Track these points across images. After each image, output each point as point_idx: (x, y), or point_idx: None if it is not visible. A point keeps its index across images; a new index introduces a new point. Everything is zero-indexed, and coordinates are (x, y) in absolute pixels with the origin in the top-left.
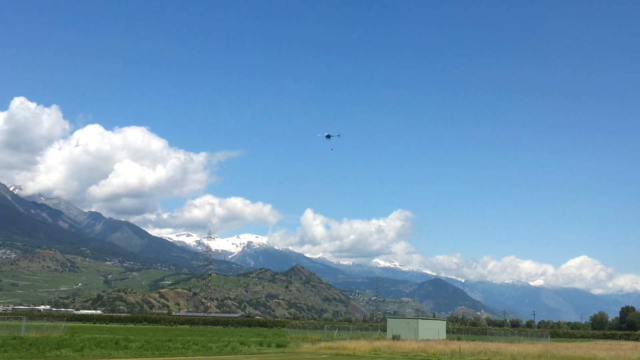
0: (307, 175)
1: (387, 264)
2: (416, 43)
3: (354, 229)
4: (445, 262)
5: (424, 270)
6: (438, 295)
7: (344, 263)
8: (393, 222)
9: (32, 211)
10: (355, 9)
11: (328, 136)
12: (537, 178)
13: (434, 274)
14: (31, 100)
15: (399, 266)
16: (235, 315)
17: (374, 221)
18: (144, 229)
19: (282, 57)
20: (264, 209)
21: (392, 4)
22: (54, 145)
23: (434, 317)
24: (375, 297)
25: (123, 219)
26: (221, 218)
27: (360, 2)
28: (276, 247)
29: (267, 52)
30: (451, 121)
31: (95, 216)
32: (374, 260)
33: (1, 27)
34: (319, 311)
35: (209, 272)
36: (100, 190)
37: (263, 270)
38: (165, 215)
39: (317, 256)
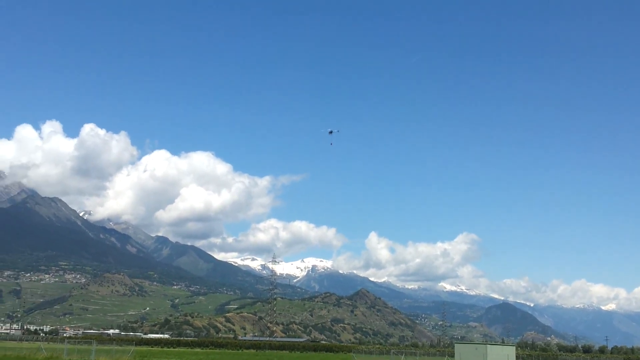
0: (371, 198)
1: (454, 288)
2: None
3: (419, 253)
4: (513, 286)
5: (491, 295)
6: (506, 320)
7: (410, 287)
8: (459, 245)
9: (102, 236)
10: None
11: (330, 132)
12: (607, 200)
13: (502, 298)
14: (101, 127)
15: (465, 290)
16: (301, 339)
17: (439, 244)
18: (209, 253)
19: (345, 84)
20: (328, 233)
21: None
22: (122, 170)
23: (503, 343)
24: (442, 322)
25: (189, 243)
26: (285, 242)
27: None
28: (341, 271)
29: (332, 78)
30: (517, 145)
31: (162, 240)
32: (440, 284)
33: (74, 57)
34: (384, 336)
35: (274, 296)
36: (166, 214)
37: (328, 294)
38: (230, 239)
39: (382, 280)
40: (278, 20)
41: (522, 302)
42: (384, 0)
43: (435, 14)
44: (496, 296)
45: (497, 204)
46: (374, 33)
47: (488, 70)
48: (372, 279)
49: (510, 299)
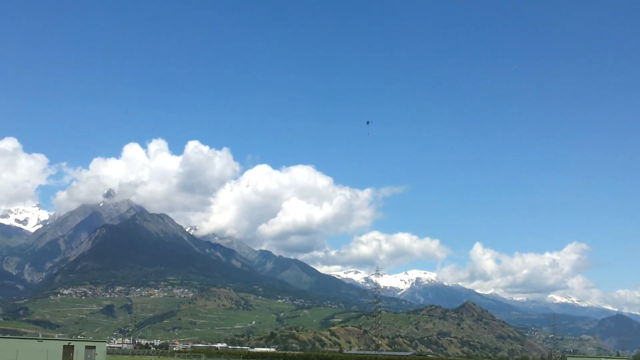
0: (475, 208)
1: (564, 300)
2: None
3: (526, 264)
4: (628, 297)
5: (604, 306)
6: (621, 332)
7: (518, 299)
8: (568, 255)
9: (207, 250)
10: None
11: (368, 122)
12: None
13: (616, 309)
14: (204, 144)
15: (576, 302)
16: (407, 353)
17: (547, 255)
18: (312, 266)
19: (446, 95)
20: (431, 244)
21: None
22: (225, 186)
23: (618, 356)
24: (552, 335)
25: (292, 257)
26: (388, 254)
27: None
28: (445, 283)
29: (434, 89)
30: (624, 150)
31: (266, 254)
32: (550, 296)
33: (177, 77)
34: (493, 349)
35: (379, 310)
36: (269, 228)
37: (433, 307)
38: (333, 253)
39: (489, 292)
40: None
41: (638, 313)
42: None
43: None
44: (609, 308)
45: (608, 211)
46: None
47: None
48: (478, 291)
49: (625, 310)
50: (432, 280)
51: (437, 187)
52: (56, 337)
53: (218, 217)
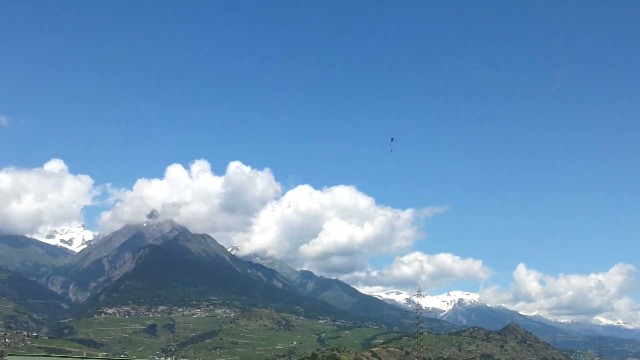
0: (518, 229)
1: (610, 322)
2: None
3: (571, 285)
4: None
5: None
6: None
7: (562, 321)
8: (614, 276)
9: (249, 271)
10: None
11: (392, 139)
12: None
13: None
14: (246, 164)
15: (622, 324)
16: None
17: (592, 276)
18: (354, 287)
19: (486, 111)
20: (474, 265)
21: None
22: (267, 206)
23: None
24: (598, 357)
25: (334, 277)
26: (430, 275)
27: None
28: (488, 305)
29: (471, 106)
30: None
31: (307, 275)
32: (595, 318)
33: (219, 99)
34: None
35: (421, 331)
36: (311, 249)
37: (476, 328)
38: (374, 273)
39: (533, 314)
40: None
41: None
42: None
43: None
44: None
45: None
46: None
47: None
48: (521, 312)
49: None
50: (474, 301)
51: (479, 207)
52: (100, 356)
53: (259, 238)
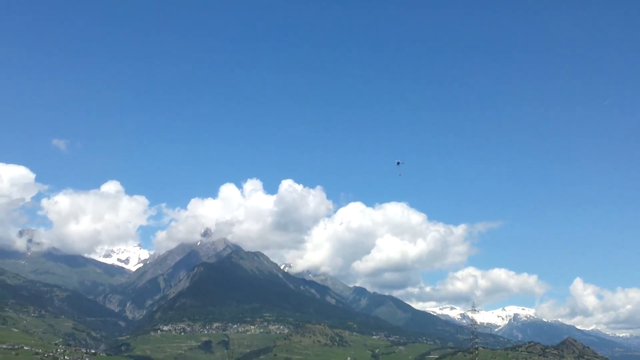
0: (574, 243)
1: None
2: None
3: (629, 299)
4: None
5: None
6: None
7: (621, 335)
8: None
9: (302, 288)
10: None
11: (398, 163)
12: None
13: None
14: (298, 182)
15: None
16: None
17: None
18: (407, 302)
19: (538, 127)
20: (529, 280)
21: None
22: (319, 224)
23: None
24: None
25: (387, 293)
26: (485, 290)
27: None
28: (545, 319)
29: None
30: None
31: (360, 291)
32: None
33: (272, 117)
34: None
35: (476, 346)
36: (363, 265)
37: (532, 343)
38: (427, 289)
39: (590, 328)
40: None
41: None
42: None
43: None
44: None
45: None
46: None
47: None
48: (579, 327)
49: None
50: (530, 316)
51: (534, 221)
52: None
53: (312, 255)
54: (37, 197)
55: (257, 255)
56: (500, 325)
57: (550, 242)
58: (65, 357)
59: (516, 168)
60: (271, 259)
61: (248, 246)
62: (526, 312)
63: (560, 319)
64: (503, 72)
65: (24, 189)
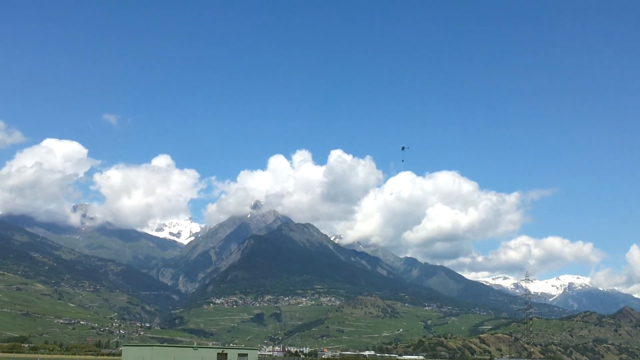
0: (630, 209)
1: None
2: None
3: None
4: None
5: None
6: None
7: None
8: None
9: (352, 259)
10: None
11: (403, 148)
12: None
13: None
14: (347, 153)
15: None
16: None
17: None
18: (459, 272)
19: (592, 92)
20: (584, 248)
21: None
22: (369, 194)
23: None
24: None
25: (438, 264)
26: (538, 259)
27: None
28: (600, 288)
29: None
30: None
31: (411, 262)
32: None
33: (321, 88)
34: None
35: (530, 316)
36: (414, 235)
37: (588, 313)
38: (480, 258)
39: None
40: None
41: None
42: None
43: None
44: None
45: None
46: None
47: None
48: (636, 295)
49: None
50: (585, 285)
51: (588, 189)
52: (210, 345)
53: (362, 226)
54: (90, 172)
55: (307, 226)
56: (554, 295)
57: (605, 209)
58: (121, 331)
59: (569, 134)
60: (321, 231)
61: (298, 218)
62: (581, 281)
63: (616, 288)
64: (561, 37)
65: (77, 164)
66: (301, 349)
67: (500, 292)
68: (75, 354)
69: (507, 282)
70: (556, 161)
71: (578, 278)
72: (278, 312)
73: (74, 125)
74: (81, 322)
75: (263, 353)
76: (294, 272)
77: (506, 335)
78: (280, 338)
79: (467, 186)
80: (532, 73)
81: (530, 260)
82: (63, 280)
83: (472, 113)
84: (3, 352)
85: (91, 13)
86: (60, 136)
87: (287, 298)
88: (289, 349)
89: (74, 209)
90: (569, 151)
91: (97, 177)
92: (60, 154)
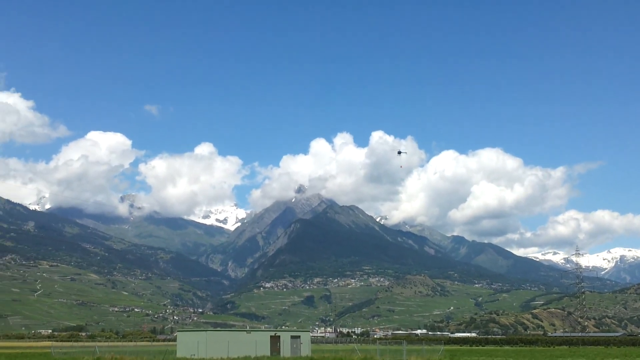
0: None
1: None
2: None
3: None
4: None
5: None
6: None
7: None
8: None
9: (399, 239)
10: None
11: (399, 152)
12: None
13: None
14: (389, 133)
15: None
16: (617, 334)
17: None
18: (507, 249)
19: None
20: (634, 220)
21: None
22: (412, 174)
23: None
24: None
25: (486, 241)
26: (588, 233)
27: None
28: None
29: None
30: None
31: (459, 240)
32: None
33: (360, 70)
34: None
35: (582, 290)
36: (460, 213)
37: None
38: (528, 234)
39: None
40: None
41: None
42: None
43: None
44: None
45: None
46: None
47: None
48: None
49: None
50: (637, 257)
51: (636, 160)
52: (262, 329)
53: (407, 206)
54: (135, 163)
55: (352, 208)
56: (606, 268)
57: None
58: (175, 317)
59: (613, 105)
60: (366, 212)
61: (342, 200)
62: (633, 254)
63: None
64: (608, 10)
65: (122, 155)
66: (353, 330)
67: (551, 267)
68: (131, 341)
69: (557, 257)
70: (602, 134)
71: (630, 250)
72: (328, 294)
73: (116, 117)
74: (135, 310)
75: (315, 335)
76: (342, 254)
77: (559, 310)
78: (331, 319)
79: (511, 162)
80: (576, 47)
81: (579, 234)
82: (115, 270)
83: (514, 89)
84: (62, 341)
85: (130, 6)
86: (104, 128)
87: (335, 280)
88: (341, 329)
89: (122, 199)
90: (614, 124)
91: (142, 167)
92: (105, 146)
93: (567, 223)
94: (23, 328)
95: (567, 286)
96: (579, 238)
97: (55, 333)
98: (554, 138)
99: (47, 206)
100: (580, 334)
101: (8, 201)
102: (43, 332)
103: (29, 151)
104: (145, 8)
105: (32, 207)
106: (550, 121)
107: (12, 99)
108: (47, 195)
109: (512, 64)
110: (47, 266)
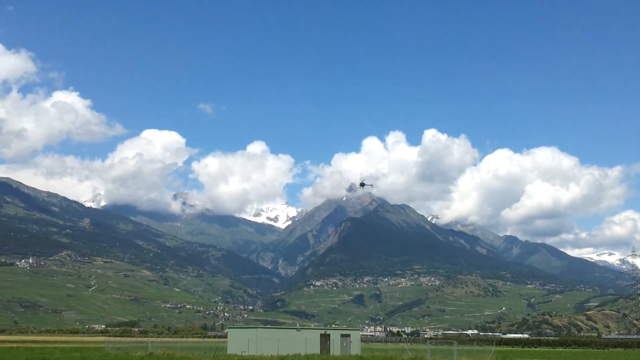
0: None
1: None
2: None
3: None
4: None
5: None
6: None
7: None
8: None
9: (450, 238)
10: None
11: (362, 185)
12: None
13: None
14: (442, 132)
15: None
16: None
17: None
18: (561, 249)
19: None
20: None
21: None
22: (465, 173)
23: None
24: None
25: (539, 241)
26: None
27: None
28: None
29: None
30: None
31: (511, 240)
32: None
33: (412, 69)
34: None
35: (638, 292)
36: (513, 213)
37: None
38: (583, 235)
39: None
40: None
41: None
42: None
43: None
44: None
45: None
46: None
47: None
48: None
49: None
50: None
51: None
52: (313, 327)
53: (459, 205)
54: (188, 161)
55: (403, 207)
56: None
57: None
58: (225, 314)
59: None
60: (417, 211)
61: (393, 199)
62: None
63: None
64: None
65: (176, 153)
66: (403, 329)
67: (606, 269)
68: (182, 337)
69: (613, 258)
70: None
71: None
72: (378, 292)
73: (171, 116)
74: (187, 306)
75: (365, 333)
76: (392, 253)
77: (614, 312)
78: (381, 318)
79: (567, 161)
80: (629, 45)
81: (636, 235)
82: (168, 266)
83: (570, 87)
84: (115, 336)
85: (185, 6)
86: (159, 127)
87: (386, 279)
88: (391, 329)
89: (175, 197)
90: None
91: (195, 165)
92: (159, 144)
93: (623, 223)
94: (77, 323)
95: (622, 288)
96: (636, 239)
97: (109, 328)
98: (612, 137)
99: (102, 203)
100: (635, 337)
101: (64, 198)
102: (97, 327)
103: (85, 149)
104: (200, 8)
105: (87, 204)
106: (607, 119)
107: (70, 98)
108: (102, 192)
109: (569, 62)
110: (102, 262)
